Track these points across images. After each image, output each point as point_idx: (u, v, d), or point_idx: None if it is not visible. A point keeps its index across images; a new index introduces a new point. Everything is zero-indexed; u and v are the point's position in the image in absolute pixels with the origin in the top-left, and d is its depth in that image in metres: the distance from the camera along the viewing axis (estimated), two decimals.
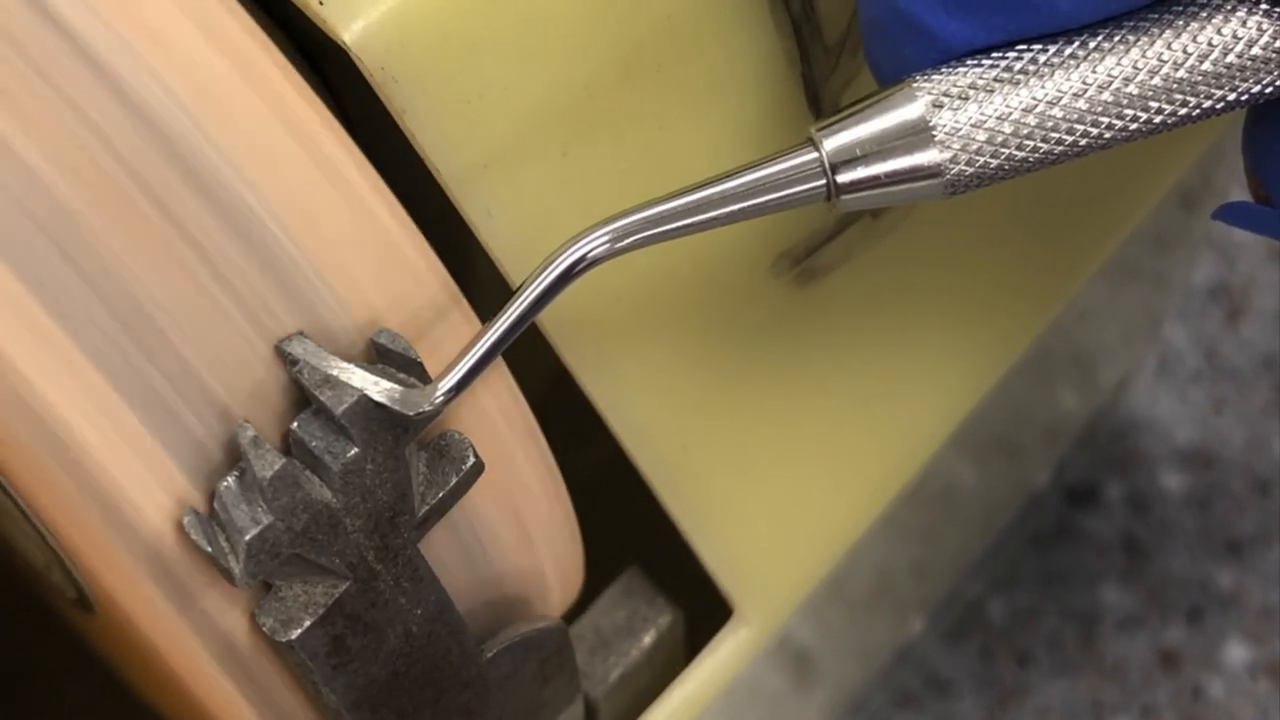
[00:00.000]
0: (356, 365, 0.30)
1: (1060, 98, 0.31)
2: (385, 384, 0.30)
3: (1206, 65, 0.31)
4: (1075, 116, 0.31)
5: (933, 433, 0.43)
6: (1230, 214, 0.34)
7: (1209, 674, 0.69)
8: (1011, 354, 0.44)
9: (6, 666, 0.46)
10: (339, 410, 0.29)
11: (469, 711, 0.34)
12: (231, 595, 0.31)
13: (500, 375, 0.33)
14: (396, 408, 0.30)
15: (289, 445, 0.30)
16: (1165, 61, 0.31)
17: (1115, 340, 0.68)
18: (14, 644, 0.45)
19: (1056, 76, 0.31)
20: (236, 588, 0.30)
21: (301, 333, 0.30)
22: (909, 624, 0.69)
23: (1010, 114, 0.31)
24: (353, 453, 0.30)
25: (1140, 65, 0.31)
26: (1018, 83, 0.31)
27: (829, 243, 0.38)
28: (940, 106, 0.31)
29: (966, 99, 0.31)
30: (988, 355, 0.44)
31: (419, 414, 0.30)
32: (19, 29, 0.28)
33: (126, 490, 0.29)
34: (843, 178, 0.31)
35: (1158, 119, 0.32)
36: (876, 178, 0.31)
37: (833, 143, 0.31)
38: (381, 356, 0.31)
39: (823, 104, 0.36)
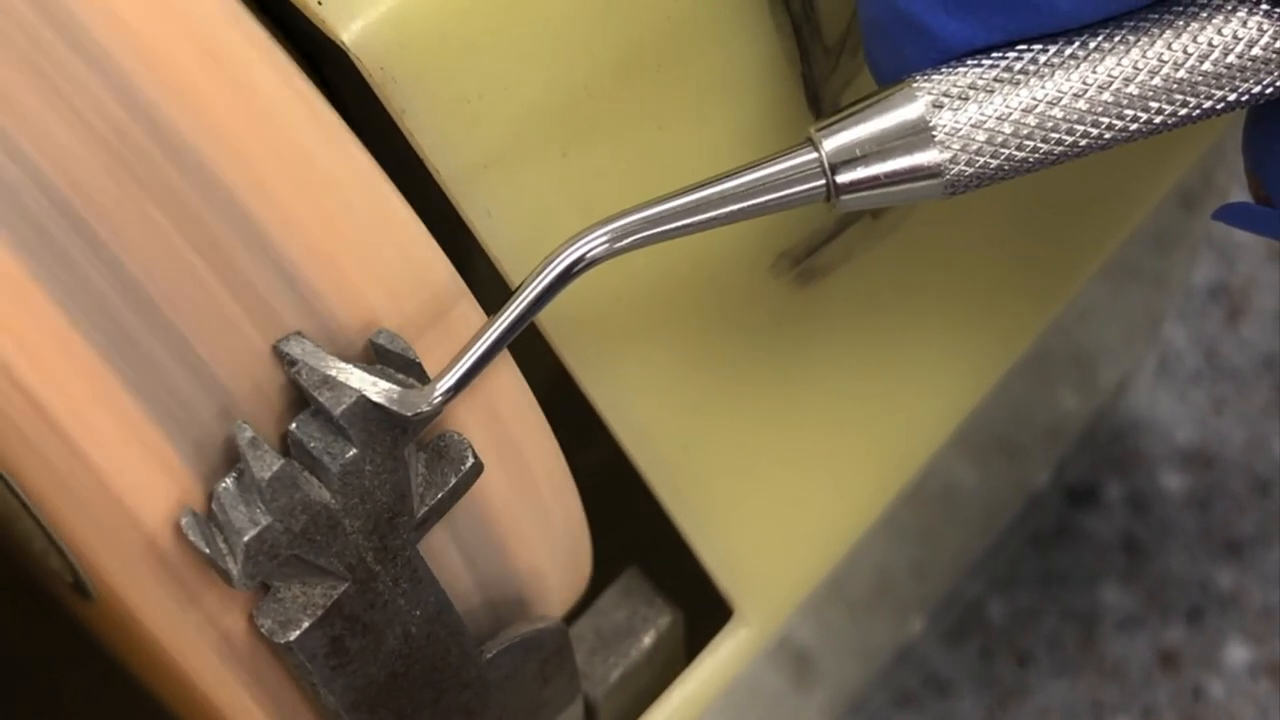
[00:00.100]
0: (355, 366, 0.30)
1: (1060, 98, 0.31)
2: (384, 384, 0.30)
3: (1207, 65, 0.31)
4: (1075, 117, 0.31)
5: (933, 433, 0.43)
6: (1230, 215, 0.34)
7: (1209, 674, 0.69)
8: (1012, 354, 0.44)
9: (3, 657, 0.46)
10: (337, 411, 0.29)
11: (468, 712, 0.34)
12: (230, 594, 0.31)
13: (507, 371, 0.33)
14: (395, 408, 0.30)
15: (287, 446, 0.30)
16: (1165, 62, 0.31)
17: (1115, 340, 0.68)
18: (11, 635, 0.45)
19: (1057, 77, 0.31)
20: (235, 589, 0.30)
21: (300, 333, 0.30)
22: (909, 624, 0.69)
23: (1010, 114, 0.31)
24: (351, 453, 0.30)
25: (1140, 65, 0.31)
26: (1018, 83, 0.31)
27: (829, 243, 0.38)
28: (940, 107, 0.31)
29: (966, 99, 0.31)
30: (988, 355, 0.44)
31: (417, 414, 0.30)
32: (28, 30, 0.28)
33: (127, 487, 0.29)
34: (842, 178, 0.31)
35: (1158, 119, 0.32)
36: (876, 178, 0.31)
37: (832, 143, 0.31)
38: (380, 357, 0.31)
39: (823, 104, 0.36)
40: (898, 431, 0.42)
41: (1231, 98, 0.32)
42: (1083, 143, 0.32)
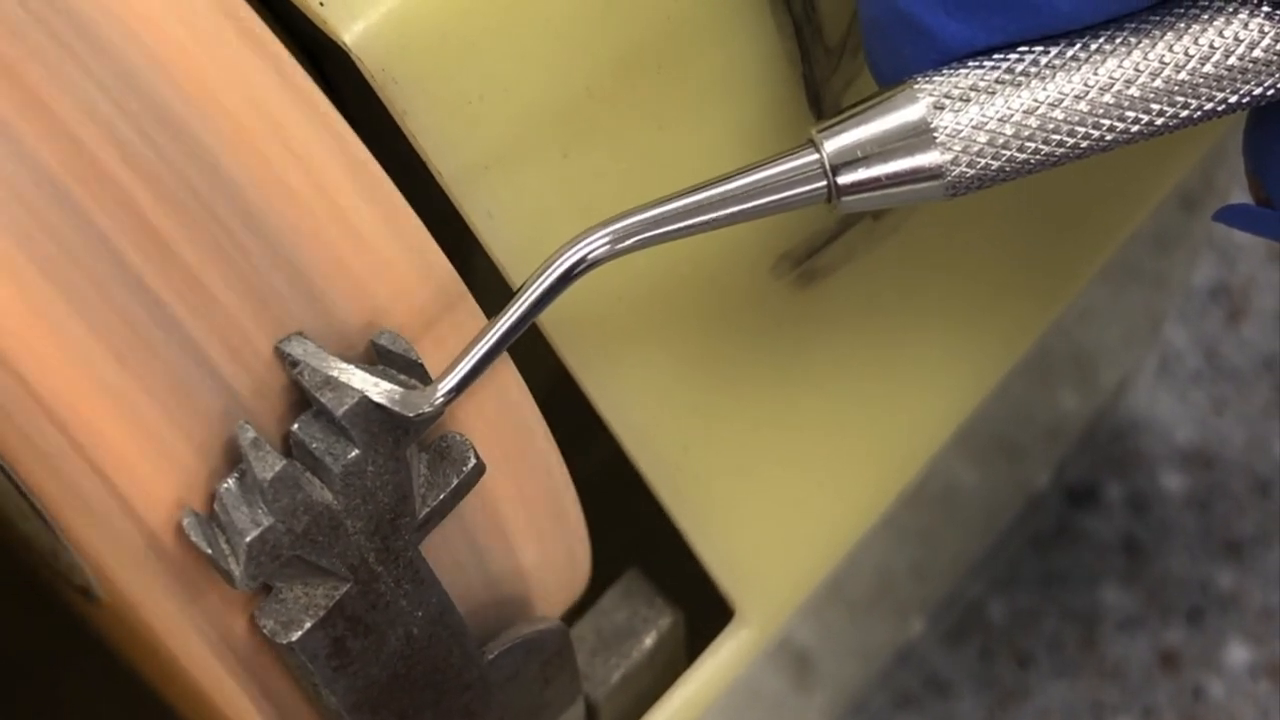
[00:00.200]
0: (357, 366, 0.30)
1: (1061, 100, 0.31)
2: (386, 385, 0.30)
3: (1208, 67, 0.31)
4: (1076, 118, 0.31)
5: (933, 434, 0.43)
6: (1231, 216, 0.34)
7: (1209, 674, 0.69)
8: (1012, 355, 0.44)
9: (3, 654, 0.46)
10: (339, 412, 0.29)
11: (470, 713, 0.34)
12: (232, 595, 0.31)
13: (507, 373, 0.33)
14: (397, 409, 0.30)
15: (289, 447, 0.30)
16: (1166, 64, 0.31)
17: (1116, 341, 0.68)
18: (11, 632, 0.45)
19: (1058, 78, 0.31)
20: (236, 589, 0.30)
21: (301, 333, 0.30)
22: (909, 625, 0.69)
23: (1011, 116, 0.31)
24: (353, 454, 0.30)
25: (1141, 67, 0.31)
26: (1019, 84, 0.31)
27: (830, 244, 0.38)
28: (941, 108, 0.31)
29: (968, 100, 0.31)
30: (988, 356, 0.44)
31: (419, 415, 0.30)
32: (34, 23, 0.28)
33: (129, 486, 0.29)
34: (844, 179, 0.31)
35: (1159, 121, 0.32)
36: (877, 179, 0.31)
37: (834, 144, 0.31)
38: (382, 358, 0.31)
39: (824, 105, 0.36)
40: (898, 432, 0.42)
41: (1232, 100, 0.32)
42: (1084, 144, 0.32)
